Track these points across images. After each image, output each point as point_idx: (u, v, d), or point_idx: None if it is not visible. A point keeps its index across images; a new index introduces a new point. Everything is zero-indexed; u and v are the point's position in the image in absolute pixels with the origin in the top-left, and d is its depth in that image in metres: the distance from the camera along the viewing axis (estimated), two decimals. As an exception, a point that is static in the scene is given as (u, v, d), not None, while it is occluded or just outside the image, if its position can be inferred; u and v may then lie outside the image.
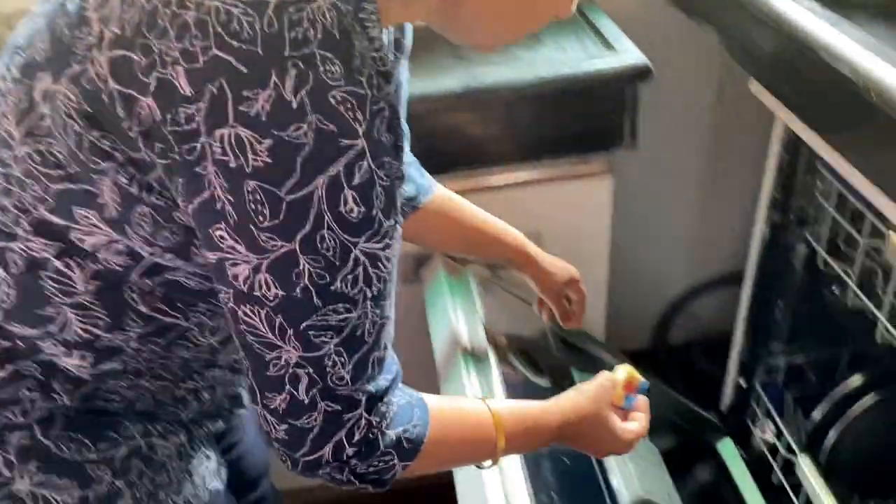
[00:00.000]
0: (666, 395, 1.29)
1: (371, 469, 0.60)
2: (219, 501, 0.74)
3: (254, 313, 0.54)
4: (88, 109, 0.54)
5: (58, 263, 0.60)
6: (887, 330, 0.93)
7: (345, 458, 0.58)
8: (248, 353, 0.57)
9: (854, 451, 1.06)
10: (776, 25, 0.83)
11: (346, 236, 0.52)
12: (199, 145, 0.50)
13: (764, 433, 1.23)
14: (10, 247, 0.60)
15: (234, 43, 0.48)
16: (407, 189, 0.85)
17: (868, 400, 1.03)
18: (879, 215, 0.91)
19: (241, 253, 0.52)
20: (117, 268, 0.60)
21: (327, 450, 0.58)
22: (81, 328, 0.62)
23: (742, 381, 1.27)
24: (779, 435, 1.17)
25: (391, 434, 0.60)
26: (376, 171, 0.52)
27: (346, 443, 0.58)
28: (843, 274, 1.00)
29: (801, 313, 1.20)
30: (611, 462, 0.97)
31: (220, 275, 0.54)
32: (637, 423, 0.77)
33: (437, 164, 0.94)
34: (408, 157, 0.82)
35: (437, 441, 0.63)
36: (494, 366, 0.94)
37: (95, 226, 0.58)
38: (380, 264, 0.55)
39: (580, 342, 1.19)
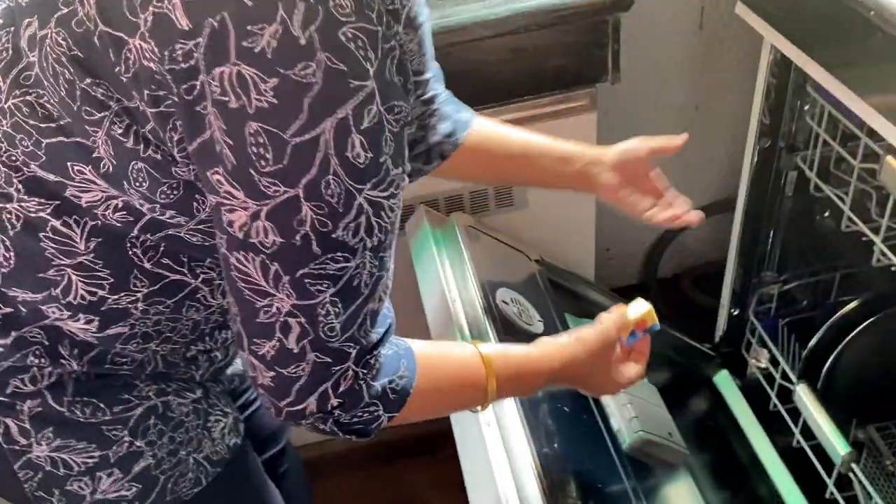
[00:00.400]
0: (662, 332, 1.28)
1: (355, 420, 0.59)
2: (239, 456, 0.74)
3: (248, 260, 0.52)
4: (80, 54, 0.51)
5: (56, 223, 0.57)
6: (883, 253, 0.91)
7: (329, 408, 0.57)
8: (238, 299, 0.54)
9: (852, 376, 1.05)
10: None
11: (351, 182, 0.50)
12: (198, 83, 0.47)
13: (759, 362, 1.23)
14: (5, 208, 0.57)
15: None
16: (443, 127, 0.80)
17: (865, 324, 1.02)
18: (873, 135, 0.88)
19: (238, 199, 0.50)
20: (117, 224, 0.57)
21: (312, 400, 0.57)
22: (86, 290, 0.60)
23: (735, 311, 1.25)
24: (774, 362, 1.17)
25: (377, 385, 0.59)
26: (385, 116, 0.49)
27: (331, 394, 0.57)
28: (836, 199, 0.98)
29: (793, 239, 1.18)
30: (610, 405, 0.96)
31: (216, 219, 0.52)
32: (634, 367, 0.76)
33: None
34: (442, 94, 0.78)
35: (424, 390, 0.62)
36: (485, 314, 0.92)
37: (91, 181, 0.55)
38: (383, 214, 0.53)
39: (571, 284, 1.17)
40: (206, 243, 0.59)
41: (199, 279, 0.62)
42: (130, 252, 0.59)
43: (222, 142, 0.48)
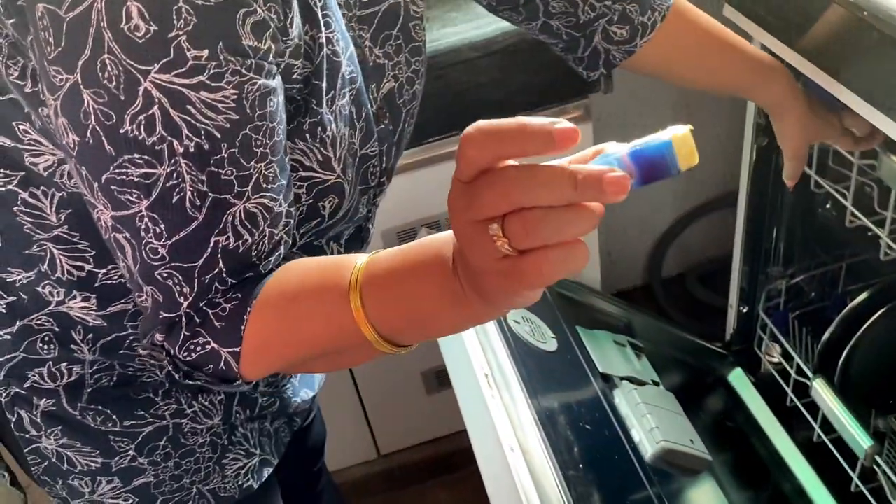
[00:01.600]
0: (668, 333, 1.28)
1: (194, 357, 0.50)
2: (253, 498, 0.72)
3: (71, 166, 0.49)
4: None
5: (24, 195, 0.55)
6: (890, 247, 0.91)
7: (159, 342, 0.51)
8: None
9: (867, 367, 1.05)
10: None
11: (130, 63, 0.43)
12: None
13: (772, 357, 1.22)
14: None
15: None
16: None
17: (877, 315, 1.02)
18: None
19: (46, 96, 0.46)
20: (77, 189, 0.54)
21: (149, 331, 0.51)
22: (71, 265, 0.58)
23: (744, 308, 1.25)
24: (786, 357, 1.16)
25: (204, 311, 0.50)
26: None
27: (160, 328, 0.50)
28: (836, 194, 0.98)
29: (797, 233, 1.18)
30: (630, 417, 0.95)
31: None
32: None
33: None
34: None
35: (262, 309, 0.49)
36: (499, 336, 0.92)
37: (37, 141, 0.53)
38: (192, 110, 0.44)
39: (578, 295, 1.17)
40: None
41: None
42: None
43: (31, 32, 0.45)
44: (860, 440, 0.99)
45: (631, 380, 1.02)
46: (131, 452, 0.66)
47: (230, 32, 0.44)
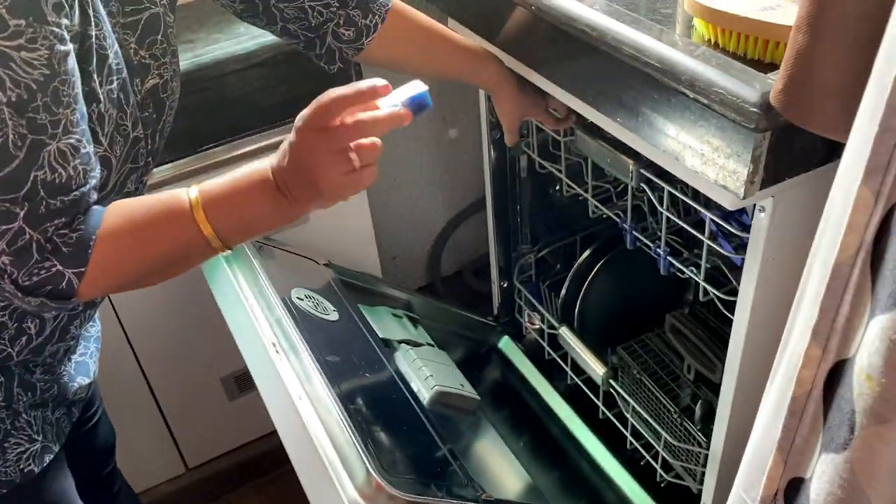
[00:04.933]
0: (445, 310, 1.44)
1: (36, 280, 0.59)
2: (33, 483, 0.77)
3: None
4: None
5: None
6: (596, 207, 1.13)
7: (5, 264, 0.58)
8: None
9: (597, 311, 1.28)
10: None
11: None
12: None
13: (532, 323, 1.43)
14: None
15: None
16: None
17: (596, 268, 1.25)
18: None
19: None
20: None
21: None
22: None
23: (504, 284, 1.45)
24: (543, 319, 1.37)
25: (54, 241, 0.59)
26: None
27: (7, 251, 0.58)
28: (555, 171, 1.19)
29: (537, 213, 1.40)
30: (409, 373, 1.09)
31: None
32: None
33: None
34: None
35: (114, 233, 0.61)
36: (283, 311, 1.01)
37: None
38: (13, 66, 0.54)
39: (360, 281, 1.30)
40: None
41: None
42: None
43: None
44: (597, 369, 1.21)
45: (408, 342, 1.16)
46: None
47: (38, 8, 0.55)
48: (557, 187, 1.37)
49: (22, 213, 0.57)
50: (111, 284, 0.63)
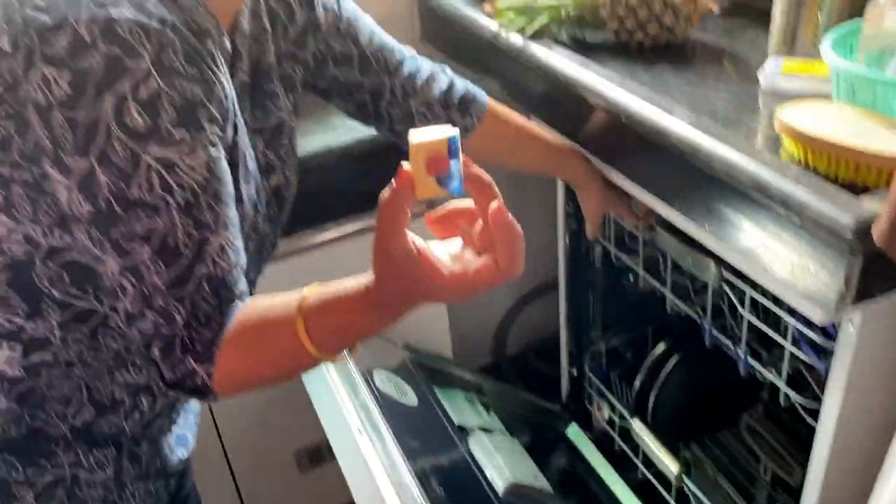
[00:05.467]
0: (514, 395, 1.46)
1: (178, 374, 0.62)
2: None
3: (80, 231, 0.62)
4: None
5: None
6: (674, 303, 1.15)
7: (155, 357, 0.63)
8: (80, 266, 0.64)
9: (670, 405, 1.28)
10: (545, 72, 1.03)
11: (133, 144, 0.58)
12: (21, 91, 0.59)
13: (601, 411, 1.43)
14: None
15: (42, 3, 0.58)
16: (435, 89, 0.95)
17: (671, 362, 1.25)
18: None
19: (59, 180, 0.60)
20: (22, 257, 0.66)
21: (147, 345, 0.63)
22: (3, 318, 0.68)
23: (574, 371, 1.46)
24: (613, 409, 1.37)
25: (193, 337, 0.62)
26: (165, 90, 0.59)
27: (157, 348, 0.62)
28: (631, 264, 1.22)
29: (610, 303, 1.41)
30: (481, 457, 1.10)
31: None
32: (486, 259, 0.56)
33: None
34: (415, 68, 0.95)
35: (236, 337, 0.63)
36: (368, 394, 1.05)
37: None
38: (179, 171, 0.60)
39: (435, 364, 1.33)
40: None
41: (107, 305, 0.69)
42: (38, 282, 0.67)
43: (42, 134, 0.59)
44: (669, 465, 1.20)
45: (482, 429, 1.17)
46: (29, 499, 0.72)
47: (197, 121, 0.62)
48: (632, 278, 1.39)
49: (182, 311, 0.62)
50: (238, 385, 0.65)
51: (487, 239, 0.56)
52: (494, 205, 0.55)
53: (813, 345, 0.91)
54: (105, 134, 0.58)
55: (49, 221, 0.65)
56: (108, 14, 0.57)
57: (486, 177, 0.56)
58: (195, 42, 0.63)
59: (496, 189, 0.56)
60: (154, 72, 0.58)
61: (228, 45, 0.71)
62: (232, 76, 0.73)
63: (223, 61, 0.68)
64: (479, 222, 0.57)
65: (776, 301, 0.91)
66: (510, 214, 0.55)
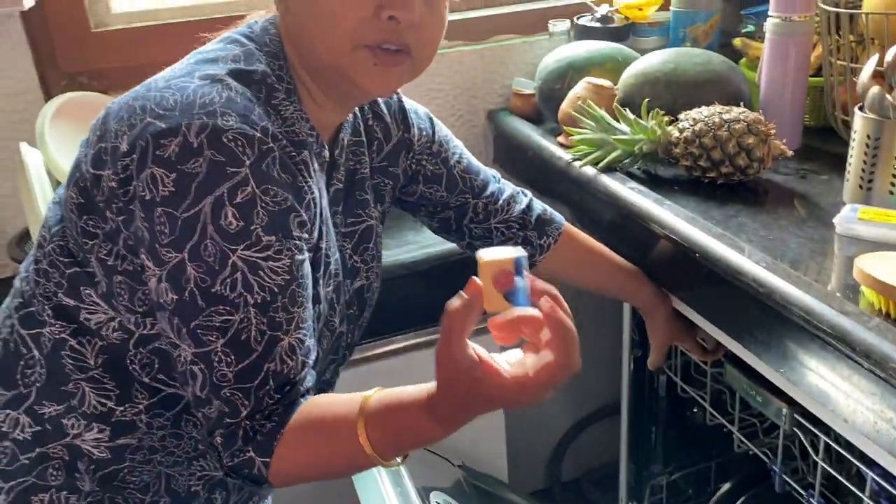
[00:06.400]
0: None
1: (236, 462, 0.64)
2: None
3: (162, 318, 0.65)
4: (81, 200, 0.68)
5: (73, 342, 0.71)
6: (742, 441, 1.11)
7: (217, 444, 0.65)
8: (167, 353, 0.67)
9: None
10: (616, 204, 1.05)
11: (225, 244, 0.62)
12: (130, 188, 0.64)
13: (660, 549, 1.36)
14: (42, 332, 0.71)
15: (160, 111, 0.63)
16: (521, 203, 1.00)
17: (739, 502, 1.20)
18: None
19: (151, 269, 0.64)
20: (116, 342, 0.71)
21: (212, 432, 0.65)
22: (97, 400, 0.72)
23: (632, 504, 1.41)
24: (673, 548, 1.31)
25: (256, 428, 0.64)
26: (260, 196, 0.63)
27: (219, 435, 0.65)
28: (697, 398, 1.19)
29: (672, 435, 1.37)
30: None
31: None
32: (544, 357, 0.57)
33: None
34: (498, 190, 1.00)
35: (296, 432, 0.64)
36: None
37: (96, 303, 0.70)
38: (262, 273, 0.63)
39: (490, 487, 1.30)
40: None
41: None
42: (130, 367, 0.71)
43: (142, 227, 0.64)
44: None
45: (537, 560, 1.13)
46: None
47: (287, 227, 0.66)
48: (696, 410, 1.36)
49: (248, 402, 0.64)
50: (293, 477, 0.66)
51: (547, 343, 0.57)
52: (547, 302, 0.57)
53: (892, 499, 0.86)
54: (201, 232, 0.62)
55: (144, 310, 0.70)
56: (216, 123, 0.63)
57: (553, 290, 0.58)
58: (292, 151, 0.68)
59: (562, 301, 0.58)
60: (252, 178, 0.63)
61: (326, 155, 0.77)
62: (329, 184, 0.79)
63: (318, 169, 0.74)
64: (546, 331, 0.57)
65: (849, 447, 0.88)
66: (562, 312, 0.57)
